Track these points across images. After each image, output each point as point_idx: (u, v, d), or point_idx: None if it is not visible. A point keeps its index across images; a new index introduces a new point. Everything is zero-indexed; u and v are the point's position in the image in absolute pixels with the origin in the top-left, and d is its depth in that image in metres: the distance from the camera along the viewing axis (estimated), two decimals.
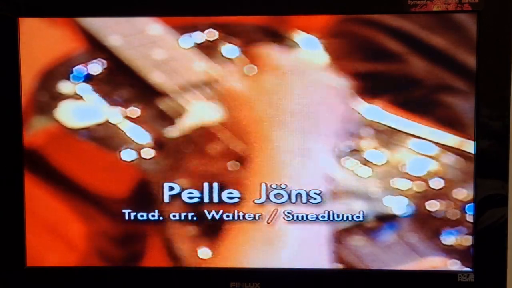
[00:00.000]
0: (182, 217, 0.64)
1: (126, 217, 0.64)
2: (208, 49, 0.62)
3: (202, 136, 0.63)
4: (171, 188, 0.64)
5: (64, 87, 0.63)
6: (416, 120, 0.62)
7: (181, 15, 0.62)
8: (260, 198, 0.64)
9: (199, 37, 0.62)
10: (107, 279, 0.65)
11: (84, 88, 0.63)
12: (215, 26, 0.62)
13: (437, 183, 0.62)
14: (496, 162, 0.61)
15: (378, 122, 0.62)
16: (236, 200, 0.64)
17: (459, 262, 0.63)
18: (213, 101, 0.63)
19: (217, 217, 0.64)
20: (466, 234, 0.63)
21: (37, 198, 0.64)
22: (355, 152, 0.63)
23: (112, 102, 0.63)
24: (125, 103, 0.63)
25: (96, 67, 0.63)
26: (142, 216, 0.64)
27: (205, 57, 0.62)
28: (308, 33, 0.61)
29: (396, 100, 0.61)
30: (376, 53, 0.61)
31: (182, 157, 0.63)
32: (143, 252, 0.65)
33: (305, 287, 0.64)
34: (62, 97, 0.63)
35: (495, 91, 0.61)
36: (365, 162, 0.63)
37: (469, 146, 0.61)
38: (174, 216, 0.64)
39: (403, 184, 0.63)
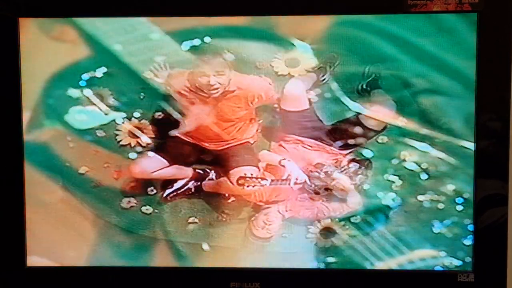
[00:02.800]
0: (183, 215, 0.64)
1: (127, 217, 0.64)
2: (207, 52, 0.62)
3: (203, 135, 0.63)
4: (172, 185, 0.64)
5: (68, 91, 0.63)
6: (414, 118, 0.62)
7: (176, 15, 0.62)
8: (261, 197, 0.64)
9: (197, 41, 0.62)
10: (108, 278, 0.65)
11: (88, 92, 0.63)
12: (212, 31, 0.62)
13: (431, 177, 0.63)
14: (496, 162, 0.62)
15: (376, 119, 0.62)
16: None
17: (458, 259, 0.63)
18: (213, 102, 0.63)
19: (218, 215, 0.64)
20: (461, 227, 0.63)
21: (38, 198, 0.64)
22: (350, 148, 0.63)
23: (116, 105, 0.63)
24: (129, 106, 0.63)
25: (100, 72, 0.63)
26: (143, 214, 0.64)
27: (204, 60, 0.62)
28: (304, 34, 0.61)
29: (396, 98, 0.62)
30: (374, 54, 0.61)
31: (183, 155, 0.64)
32: (144, 250, 0.65)
33: (305, 287, 0.65)
34: (66, 100, 0.63)
35: (495, 91, 0.61)
36: (361, 158, 0.63)
37: (468, 143, 0.62)
38: (175, 213, 0.64)
39: (398, 179, 0.63)
